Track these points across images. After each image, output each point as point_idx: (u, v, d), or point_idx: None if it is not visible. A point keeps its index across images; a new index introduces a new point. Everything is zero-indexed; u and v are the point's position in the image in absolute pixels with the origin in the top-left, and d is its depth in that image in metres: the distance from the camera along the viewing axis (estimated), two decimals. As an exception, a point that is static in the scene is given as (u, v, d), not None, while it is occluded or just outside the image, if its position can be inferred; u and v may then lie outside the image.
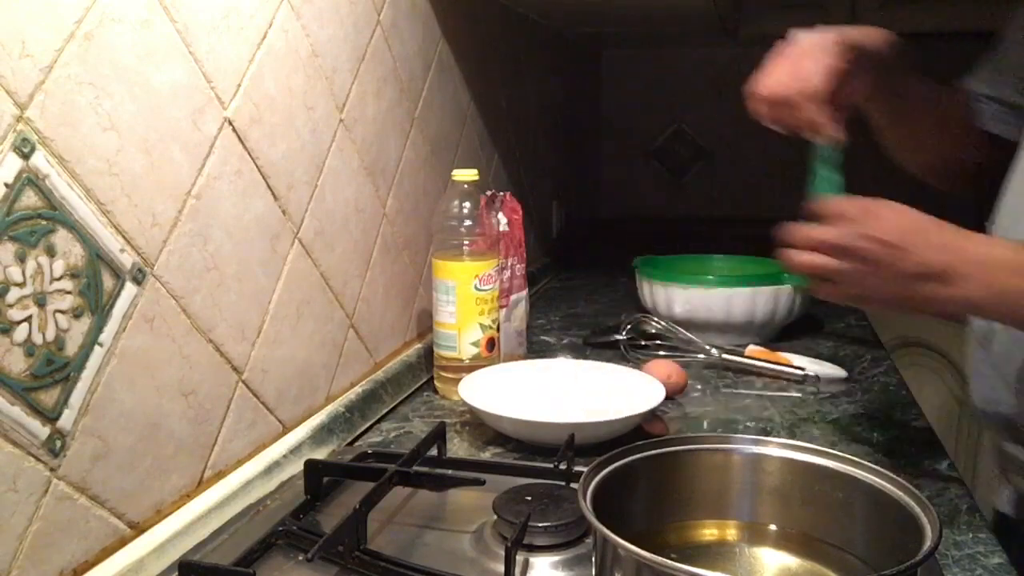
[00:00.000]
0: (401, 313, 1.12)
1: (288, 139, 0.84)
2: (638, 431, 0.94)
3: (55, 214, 0.56)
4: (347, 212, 0.96)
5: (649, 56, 2.51)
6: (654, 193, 2.58)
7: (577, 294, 1.71)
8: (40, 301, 0.55)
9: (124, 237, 0.62)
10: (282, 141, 0.83)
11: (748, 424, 1.00)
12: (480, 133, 1.42)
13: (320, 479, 0.78)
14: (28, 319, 0.54)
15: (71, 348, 0.58)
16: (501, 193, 1.15)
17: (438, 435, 0.85)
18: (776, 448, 0.66)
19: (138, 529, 0.65)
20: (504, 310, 1.14)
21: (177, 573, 0.63)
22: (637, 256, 1.46)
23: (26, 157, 0.54)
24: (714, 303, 1.28)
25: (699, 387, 1.13)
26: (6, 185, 0.53)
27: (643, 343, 1.27)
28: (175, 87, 0.67)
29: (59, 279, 0.57)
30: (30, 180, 0.54)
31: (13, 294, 0.53)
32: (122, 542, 0.63)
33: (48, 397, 0.56)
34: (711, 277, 1.31)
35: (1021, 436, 0.84)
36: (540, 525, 0.68)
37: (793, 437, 0.95)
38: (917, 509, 0.57)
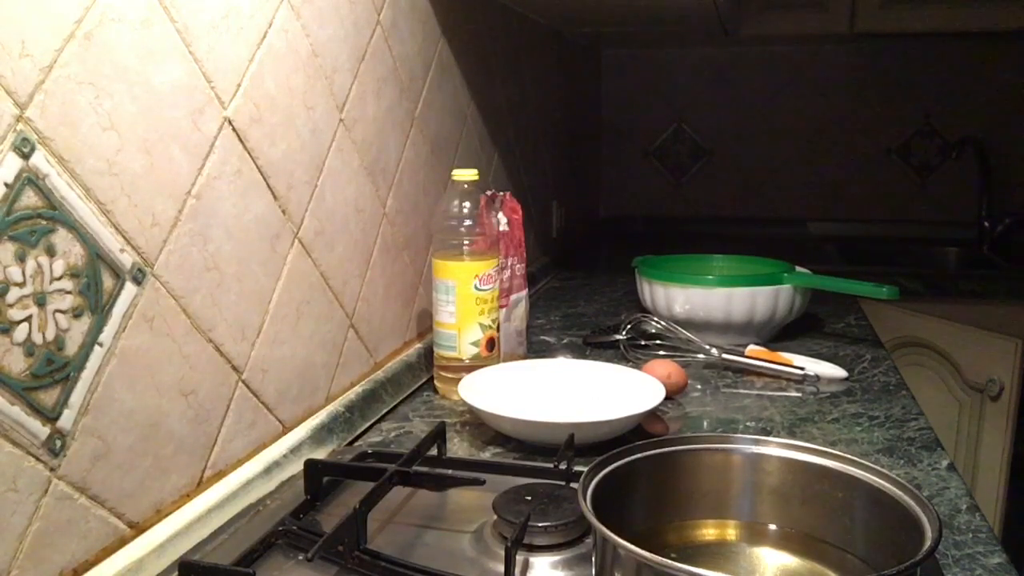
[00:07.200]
0: (401, 313, 1.12)
1: (288, 139, 0.84)
2: (638, 431, 0.94)
3: (55, 214, 0.56)
4: (347, 212, 0.96)
5: (649, 56, 2.51)
6: (654, 193, 2.58)
7: (577, 294, 1.71)
8: (40, 301, 0.55)
9: (124, 237, 0.62)
10: (282, 141, 0.83)
11: (748, 424, 1.00)
12: (480, 133, 1.42)
13: (320, 479, 0.78)
14: (28, 319, 0.54)
15: (71, 348, 0.58)
16: (501, 193, 1.15)
17: (438, 435, 0.85)
18: (776, 448, 0.66)
19: (138, 529, 0.65)
20: (504, 310, 1.14)
21: (177, 573, 0.63)
22: (637, 256, 1.46)
23: (26, 157, 0.54)
24: (714, 303, 1.28)
25: (699, 387, 1.13)
26: (6, 185, 0.53)
27: (643, 343, 1.27)
28: (175, 87, 0.67)
29: (59, 279, 0.57)
30: (30, 180, 0.54)
31: (13, 294, 0.53)
32: (122, 542, 0.63)
33: (48, 397, 0.56)
34: (711, 277, 1.31)
35: None
36: (540, 525, 0.68)
37: (793, 437, 0.95)
38: (917, 509, 0.57)
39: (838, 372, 1.16)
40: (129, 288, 0.63)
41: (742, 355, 1.19)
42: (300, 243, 0.87)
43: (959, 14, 2.00)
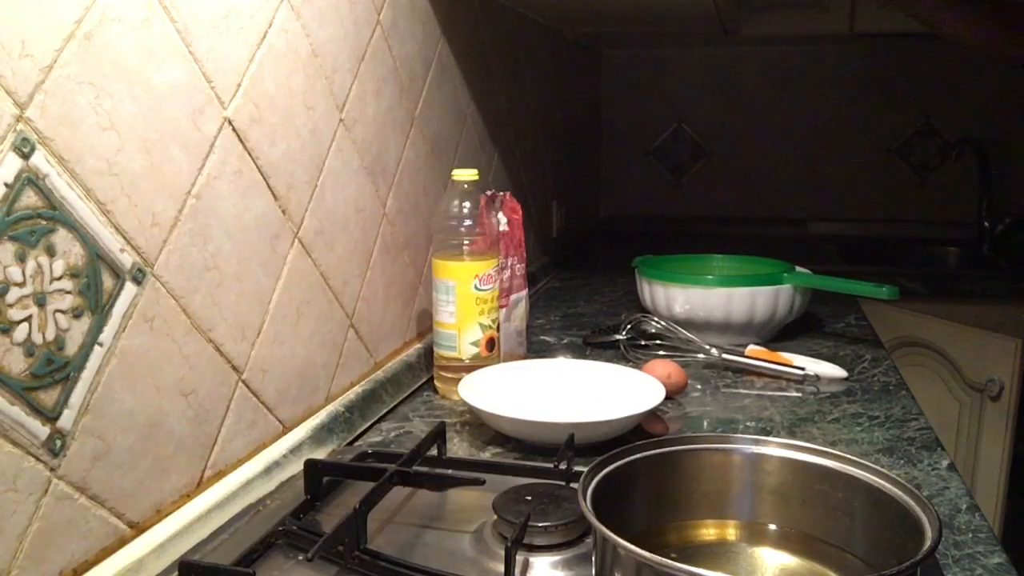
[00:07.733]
0: (401, 313, 1.12)
1: (288, 139, 0.84)
2: (638, 431, 0.94)
3: (55, 214, 0.56)
4: (347, 212, 0.96)
5: (649, 56, 2.51)
6: (654, 193, 2.58)
7: (577, 294, 1.71)
8: (40, 301, 0.55)
9: (124, 237, 0.62)
10: (282, 141, 0.83)
11: (748, 424, 1.00)
12: (480, 133, 1.42)
13: (320, 479, 0.78)
14: (28, 319, 0.54)
15: (71, 348, 0.58)
16: (501, 193, 1.15)
17: (438, 435, 0.85)
18: (776, 448, 0.66)
19: (138, 529, 0.65)
20: (504, 310, 1.14)
21: (177, 573, 0.63)
22: (637, 256, 1.46)
23: (26, 157, 0.54)
24: (714, 303, 1.28)
25: (699, 387, 1.13)
26: (6, 185, 0.53)
27: (643, 343, 1.27)
28: (175, 87, 0.67)
29: (59, 279, 0.57)
30: (30, 180, 0.54)
31: (13, 294, 0.53)
32: (122, 542, 0.63)
33: (48, 397, 0.56)
34: (711, 277, 1.31)
35: None
36: (540, 525, 0.68)
37: (793, 437, 0.95)
38: (917, 509, 0.57)
39: (838, 372, 1.16)
40: (129, 288, 0.63)
41: (742, 355, 1.19)
42: (300, 243, 0.87)
43: (959, 14, 2.00)
